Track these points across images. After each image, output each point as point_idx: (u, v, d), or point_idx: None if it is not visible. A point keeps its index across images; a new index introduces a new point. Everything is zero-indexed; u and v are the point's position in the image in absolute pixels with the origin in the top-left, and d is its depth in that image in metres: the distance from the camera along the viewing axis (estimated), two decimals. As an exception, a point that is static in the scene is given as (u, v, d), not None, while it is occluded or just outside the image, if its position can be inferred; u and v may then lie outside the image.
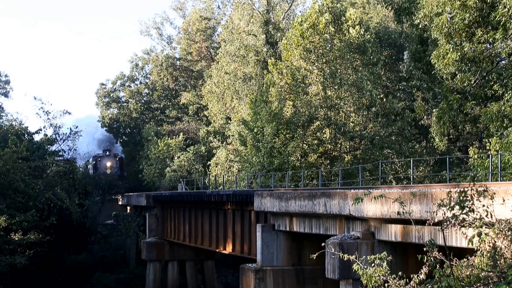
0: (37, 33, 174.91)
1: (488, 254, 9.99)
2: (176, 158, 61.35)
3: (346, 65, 41.61)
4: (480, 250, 10.14)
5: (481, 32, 26.43)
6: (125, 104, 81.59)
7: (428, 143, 42.61)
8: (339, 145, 41.82)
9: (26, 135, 43.63)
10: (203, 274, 41.40)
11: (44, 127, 43.67)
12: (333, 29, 41.72)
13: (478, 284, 9.87)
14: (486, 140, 26.86)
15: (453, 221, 10.35)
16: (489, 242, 10.07)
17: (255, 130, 40.80)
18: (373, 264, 11.49)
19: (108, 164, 67.78)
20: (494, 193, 10.71)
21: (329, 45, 42.25)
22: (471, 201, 10.24)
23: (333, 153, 41.66)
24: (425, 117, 40.57)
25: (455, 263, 10.50)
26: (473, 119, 30.77)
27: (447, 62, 27.20)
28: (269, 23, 55.30)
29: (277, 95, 41.96)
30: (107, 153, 69.73)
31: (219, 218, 30.30)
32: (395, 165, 41.87)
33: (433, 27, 28.11)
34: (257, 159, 40.11)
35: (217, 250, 31.29)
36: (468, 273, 10.10)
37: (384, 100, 43.94)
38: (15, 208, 36.85)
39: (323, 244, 14.38)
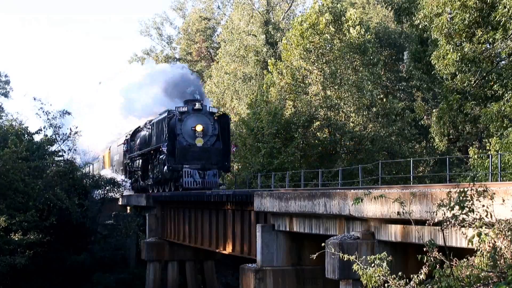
0: (37, 33, 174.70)
1: (488, 254, 9.98)
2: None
3: (346, 65, 41.60)
4: (480, 250, 10.13)
5: (481, 33, 26.45)
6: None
7: (428, 143, 42.61)
8: (339, 145, 41.82)
9: (26, 135, 43.48)
10: (203, 274, 41.33)
11: (44, 127, 43.57)
12: (333, 29, 41.71)
13: (478, 284, 9.87)
14: (486, 140, 26.91)
15: (453, 221, 10.35)
16: (489, 242, 10.06)
17: (255, 130, 40.80)
18: (373, 264, 11.49)
19: (199, 127, 35.15)
20: (494, 193, 10.70)
21: (329, 45, 42.24)
22: (471, 201, 10.23)
23: (333, 153, 41.66)
24: (425, 117, 40.60)
25: (455, 263, 10.49)
26: (473, 119, 30.81)
27: (447, 63, 27.25)
28: (269, 23, 55.36)
29: (277, 95, 41.97)
30: (196, 105, 35.42)
31: (219, 218, 30.26)
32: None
33: (433, 28, 28.15)
34: (257, 159, 40.10)
35: (217, 250, 31.22)
36: (468, 273, 10.10)
37: (384, 100, 43.94)
38: (15, 208, 36.80)
39: (323, 244, 14.37)
